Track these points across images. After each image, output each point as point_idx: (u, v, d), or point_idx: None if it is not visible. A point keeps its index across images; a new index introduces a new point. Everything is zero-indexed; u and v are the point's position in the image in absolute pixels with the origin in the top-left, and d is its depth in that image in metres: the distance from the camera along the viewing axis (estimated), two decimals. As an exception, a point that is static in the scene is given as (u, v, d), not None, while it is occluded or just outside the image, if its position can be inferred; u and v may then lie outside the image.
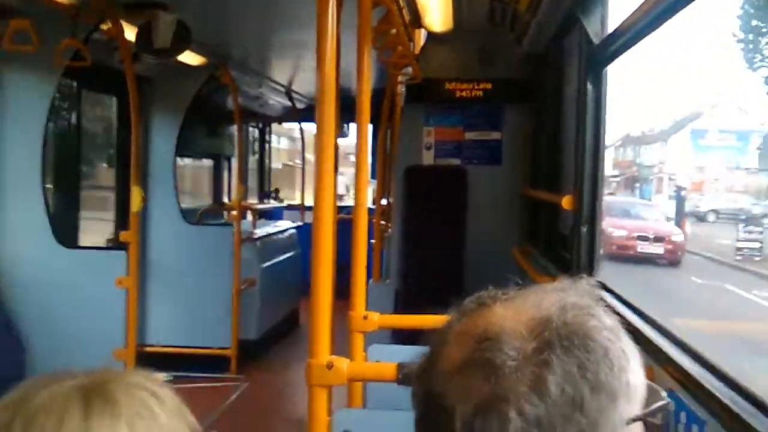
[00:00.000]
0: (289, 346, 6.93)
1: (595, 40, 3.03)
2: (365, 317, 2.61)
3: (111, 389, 0.78)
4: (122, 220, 5.95)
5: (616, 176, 41.71)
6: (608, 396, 0.68)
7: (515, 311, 0.72)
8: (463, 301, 0.77)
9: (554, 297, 0.73)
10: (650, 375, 2.01)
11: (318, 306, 1.93)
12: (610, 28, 2.98)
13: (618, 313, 2.41)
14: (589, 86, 3.10)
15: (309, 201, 9.47)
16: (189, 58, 5.33)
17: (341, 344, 2.69)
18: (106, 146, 7.24)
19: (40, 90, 4.58)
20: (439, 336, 0.74)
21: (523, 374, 0.66)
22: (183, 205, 6.27)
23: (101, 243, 6.48)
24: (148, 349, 5.74)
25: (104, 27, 4.27)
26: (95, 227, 6.80)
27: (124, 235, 4.76)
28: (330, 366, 1.93)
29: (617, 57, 2.85)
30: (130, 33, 4.46)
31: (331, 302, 2.09)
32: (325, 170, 1.96)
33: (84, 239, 6.09)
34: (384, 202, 6.17)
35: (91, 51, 4.20)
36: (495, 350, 0.68)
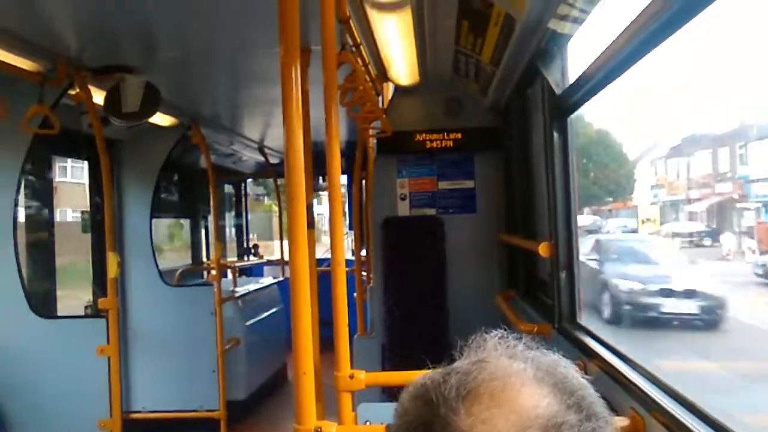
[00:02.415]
0: (277, 405, 6.81)
1: (557, 91, 3.07)
2: (351, 376, 2.56)
3: None
4: (100, 286, 5.84)
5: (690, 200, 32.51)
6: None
7: (526, 387, 0.71)
8: (444, 376, 0.74)
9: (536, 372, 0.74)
10: (640, 422, 1.99)
11: (301, 372, 1.89)
12: (572, 77, 3.03)
13: (602, 358, 2.38)
14: (555, 135, 3.14)
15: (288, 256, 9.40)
16: (159, 119, 5.33)
17: (331, 399, 2.62)
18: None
19: (9, 159, 4.54)
20: None
21: None
22: (161, 266, 6.19)
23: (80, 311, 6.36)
24: (134, 416, 5.61)
25: (72, 92, 4.26)
26: (73, 295, 6.68)
27: (102, 302, 4.67)
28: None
29: (580, 106, 2.90)
30: (98, 97, 4.45)
31: (316, 361, 2.05)
32: (299, 225, 1.95)
33: (62, 308, 5.96)
34: (363, 253, 6.14)
35: (60, 116, 4.19)
36: (573, 429, 0.69)
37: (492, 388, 0.70)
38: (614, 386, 2.21)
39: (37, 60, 3.93)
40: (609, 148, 38.76)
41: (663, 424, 1.84)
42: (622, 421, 2.04)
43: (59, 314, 5.62)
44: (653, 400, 1.94)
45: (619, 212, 42.69)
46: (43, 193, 5.83)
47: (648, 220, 35.08)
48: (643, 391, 2.03)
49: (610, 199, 39.29)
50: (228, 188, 10.20)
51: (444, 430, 0.69)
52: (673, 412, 1.80)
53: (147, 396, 5.77)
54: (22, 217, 5.22)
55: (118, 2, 3.20)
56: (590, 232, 37.86)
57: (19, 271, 4.63)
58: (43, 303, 5.28)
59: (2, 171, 4.53)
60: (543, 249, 3.33)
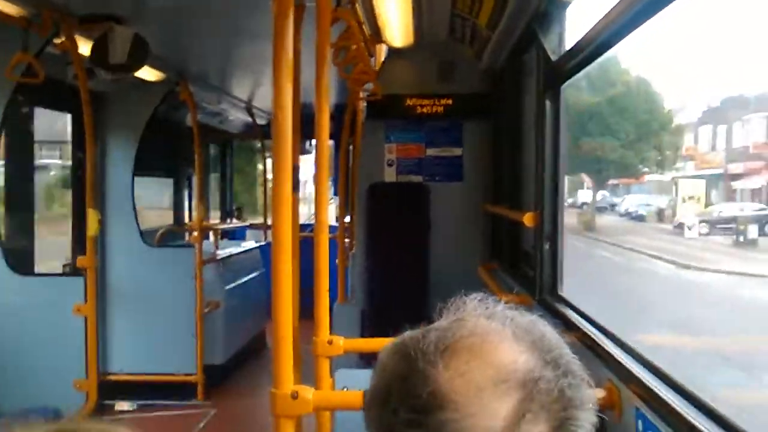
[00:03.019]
0: (256, 370, 6.78)
1: (553, 57, 3.04)
2: (330, 342, 2.56)
3: None
4: (79, 244, 5.76)
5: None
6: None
7: (505, 344, 0.72)
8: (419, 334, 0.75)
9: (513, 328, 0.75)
10: (616, 393, 2.01)
11: (280, 334, 1.88)
12: (568, 44, 3.00)
13: (581, 330, 2.39)
14: (548, 103, 3.11)
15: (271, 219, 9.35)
16: (146, 73, 5.23)
17: (309, 366, 2.62)
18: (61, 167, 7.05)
19: None
20: (437, 396, 0.69)
21: (574, 395, 0.71)
22: (142, 227, 6.12)
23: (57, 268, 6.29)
24: (111, 377, 5.57)
25: (57, 41, 4.16)
26: (52, 252, 6.60)
27: (81, 261, 4.62)
28: (295, 396, 1.88)
29: (574, 74, 2.87)
30: (84, 47, 4.35)
31: (295, 327, 2.04)
32: (284, 189, 1.92)
33: (40, 265, 5.89)
34: (347, 219, 6.12)
35: (44, 66, 4.09)
36: (551, 384, 0.70)
37: (470, 344, 0.71)
38: (592, 358, 2.22)
39: (22, 5, 3.83)
40: (651, 102, 32.06)
41: (637, 395, 1.86)
42: (598, 393, 2.05)
43: (37, 272, 5.56)
44: (629, 372, 1.96)
45: (630, 188, 37.11)
46: (22, 145, 5.73)
47: (691, 198, 30.23)
48: (619, 363, 2.05)
49: (645, 169, 33.79)
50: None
51: (422, 383, 0.69)
52: (648, 384, 1.82)
53: (124, 357, 5.73)
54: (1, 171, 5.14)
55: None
56: (600, 210, 33.40)
57: None
58: (20, 260, 5.20)
59: None
60: (528, 219, 3.33)
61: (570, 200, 36.21)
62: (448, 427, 0.67)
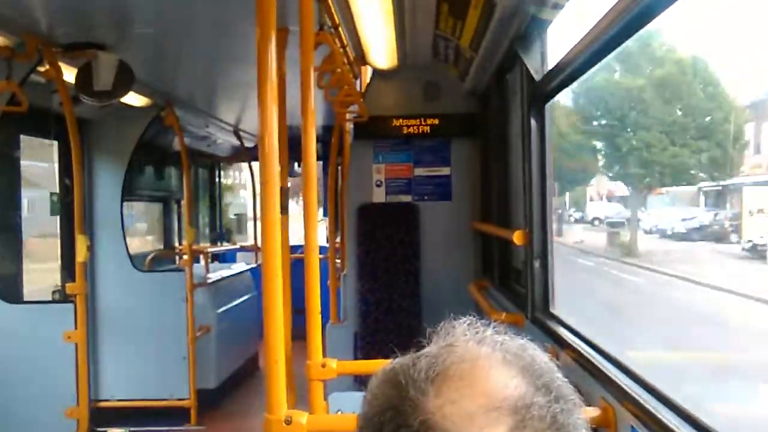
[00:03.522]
0: (249, 393, 6.75)
1: (536, 77, 3.06)
2: (323, 365, 2.54)
3: None
4: (68, 270, 5.73)
5: None
6: None
7: (495, 369, 0.71)
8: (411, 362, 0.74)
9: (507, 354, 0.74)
10: (610, 412, 2.00)
11: (273, 359, 1.87)
12: (551, 63, 3.02)
13: (574, 348, 2.38)
14: (533, 122, 3.12)
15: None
16: (132, 99, 5.23)
17: (303, 388, 2.60)
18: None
19: None
20: (429, 425, 0.68)
21: (567, 420, 0.71)
22: (132, 251, 6.09)
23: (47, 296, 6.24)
24: (103, 404, 5.55)
25: (42, 69, 4.15)
26: (40, 279, 6.54)
27: (71, 287, 4.60)
28: (288, 421, 1.87)
29: (558, 93, 2.89)
30: (69, 74, 4.34)
31: (287, 350, 2.02)
32: (272, 210, 1.91)
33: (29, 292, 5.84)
34: (337, 240, 6.11)
35: (29, 94, 4.08)
36: (543, 410, 0.69)
37: (461, 370, 0.71)
38: (586, 376, 2.21)
39: (5, 34, 3.82)
40: (709, 86, 23.02)
41: (633, 413, 1.84)
42: (592, 411, 2.04)
43: (26, 299, 5.51)
44: (624, 390, 1.95)
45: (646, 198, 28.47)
46: (9, 173, 5.70)
47: (761, 211, 20.49)
48: (614, 381, 2.04)
49: (703, 175, 24.23)
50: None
51: (413, 412, 0.69)
52: (643, 402, 1.81)
53: (116, 384, 5.69)
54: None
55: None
56: (613, 225, 26.57)
57: None
58: (8, 287, 5.16)
59: None
60: (518, 237, 3.33)
61: (577, 214, 33.74)
62: None
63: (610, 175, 27.95)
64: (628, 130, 24.21)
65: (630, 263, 21.02)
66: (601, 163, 27.66)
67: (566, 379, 0.74)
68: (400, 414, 0.69)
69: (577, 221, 33.09)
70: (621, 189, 30.03)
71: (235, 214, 12.59)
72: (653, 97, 23.45)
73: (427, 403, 0.69)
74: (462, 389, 0.69)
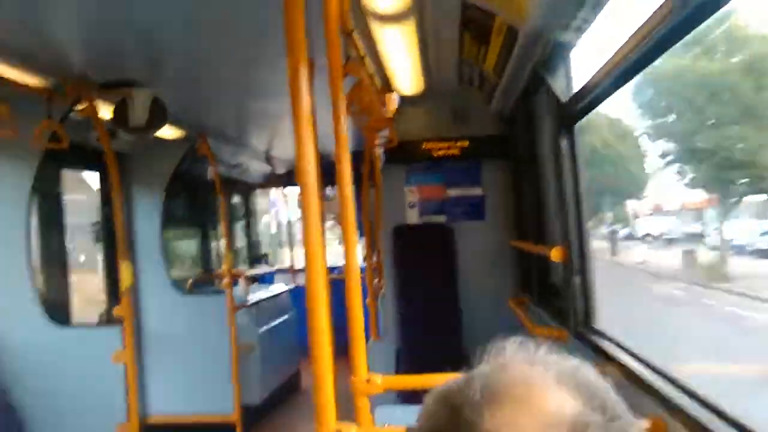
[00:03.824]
0: (292, 410, 6.85)
1: (562, 98, 3.06)
2: (368, 380, 2.56)
3: None
4: (113, 294, 5.90)
5: None
6: None
7: (550, 390, 0.71)
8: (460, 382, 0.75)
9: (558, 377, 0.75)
10: (662, 428, 1.96)
11: (320, 373, 1.89)
12: (576, 84, 3.02)
13: (621, 363, 2.35)
14: (563, 142, 3.13)
15: (298, 264, 9.43)
16: (167, 131, 5.35)
17: (345, 403, 2.62)
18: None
19: (20, 173, 4.59)
20: None
21: None
22: (173, 276, 6.24)
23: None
24: (152, 420, 5.69)
25: (80, 107, 4.29)
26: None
27: (117, 310, 4.74)
28: (339, 433, 1.88)
29: (586, 114, 2.88)
30: (106, 110, 4.48)
31: (332, 366, 2.05)
32: (313, 234, 1.96)
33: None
34: (374, 259, 6.15)
35: (70, 131, 4.21)
36: (591, 430, 0.69)
37: (516, 392, 0.71)
38: (634, 391, 2.18)
39: (44, 76, 3.96)
40: None
41: (686, 427, 1.81)
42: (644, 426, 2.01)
43: (74, 322, 5.70)
44: (676, 405, 1.91)
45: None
46: (54, 205, 5.88)
47: None
48: (664, 396, 2.00)
49: None
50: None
51: None
52: (697, 416, 1.78)
53: (163, 401, 5.85)
54: (35, 230, 5.30)
55: (123, 17, 3.22)
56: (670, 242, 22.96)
57: (33, 281, 4.66)
58: (58, 311, 5.33)
59: (15, 186, 4.58)
60: (555, 254, 3.32)
61: (624, 231, 29.15)
62: None
63: (685, 182, 21.93)
64: (711, 124, 19.23)
65: (735, 292, 15.21)
66: (668, 169, 22.31)
67: (619, 398, 0.74)
68: None
69: (626, 238, 28.84)
70: (692, 199, 24.51)
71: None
72: (742, 82, 18.70)
73: (484, 425, 0.69)
74: (518, 410, 0.69)
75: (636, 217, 30.66)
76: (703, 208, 23.58)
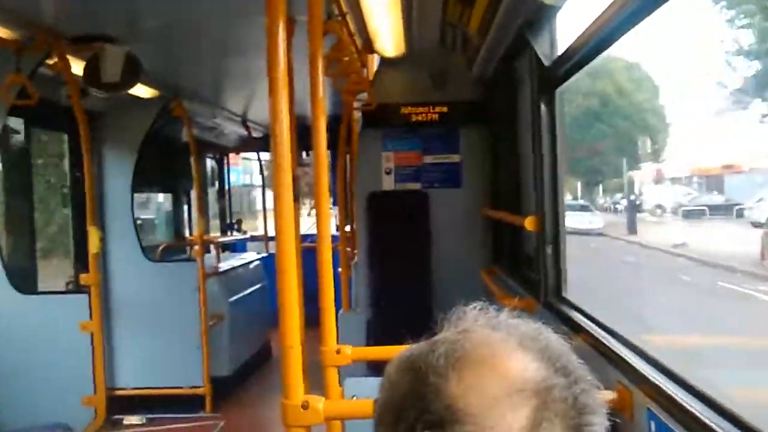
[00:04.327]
0: (263, 380, 6.81)
1: (546, 62, 3.04)
2: (338, 351, 2.56)
3: None
4: (80, 261, 5.78)
5: None
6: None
7: (514, 354, 0.72)
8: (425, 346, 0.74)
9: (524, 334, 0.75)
10: (627, 395, 2.00)
11: (288, 345, 1.88)
12: (560, 49, 3.00)
13: (588, 332, 2.38)
14: (543, 108, 3.11)
15: (272, 231, 9.39)
16: (140, 90, 5.24)
17: (315, 375, 2.62)
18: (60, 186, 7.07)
19: None
20: (452, 411, 0.68)
21: (586, 401, 0.71)
22: (143, 242, 6.13)
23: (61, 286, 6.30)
24: (119, 392, 5.59)
25: (50, 62, 4.17)
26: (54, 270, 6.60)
27: (84, 278, 4.65)
28: (305, 406, 1.87)
29: (569, 78, 2.87)
30: (77, 67, 4.36)
31: (301, 337, 2.03)
32: (285, 200, 1.92)
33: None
34: (347, 228, 6.12)
35: (39, 87, 4.10)
36: (565, 392, 0.70)
37: (480, 356, 0.71)
38: (600, 360, 2.21)
39: (14, 28, 3.84)
40: None
41: (650, 396, 1.84)
42: (608, 395, 2.05)
43: (40, 290, 5.57)
44: (640, 374, 1.94)
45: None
46: (20, 166, 5.74)
47: None
48: (629, 365, 2.04)
49: None
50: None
51: (436, 398, 0.69)
52: (661, 385, 1.81)
53: (131, 372, 5.76)
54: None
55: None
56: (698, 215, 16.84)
57: None
58: (22, 278, 5.21)
59: None
60: (529, 223, 3.32)
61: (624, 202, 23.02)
62: None
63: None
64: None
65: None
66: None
67: (582, 361, 0.75)
68: (421, 400, 0.70)
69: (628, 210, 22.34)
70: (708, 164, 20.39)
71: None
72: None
73: (450, 389, 0.69)
74: (484, 374, 0.70)
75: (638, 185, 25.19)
76: (721, 174, 20.21)
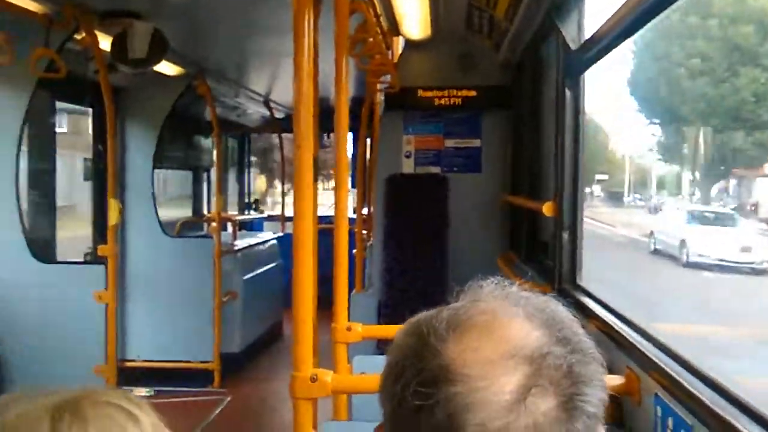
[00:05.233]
0: (272, 358, 6.86)
1: (572, 46, 3.03)
2: (349, 328, 2.60)
3: (83, 407, 0.76)
4: (100, 233, 5.86)
5: None
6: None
7: (517, 321, 0.73)
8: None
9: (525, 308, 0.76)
10: (636, 380, 2.02)
11: (300, 319, 1.91)
12: (587, 33, 2.99)
13: (601, 318, 2.40)
14: (567, 92, 3.10)
15: (289, 211, 9.45)
16: (165, 68, 5.28)
17: (326, 355, 2.66)
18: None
19: (13, 102, 4.51)
20: (446, 370, 0.70)
21: (584, 372, 0.71)
22: (162, 218, 6.20)
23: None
24: (129, 364, 5.68)
25: (78, 37, 4.22)
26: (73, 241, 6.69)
27: (102, 249, 4.71)
28: (314, 379, 1.91)
29: (595, 63, 2.86)
30: (105, 43, 4.40)
31: (313, 314, 2.07)
32: (305, 181, 1.94)
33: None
34: (364, 211, 6.14)
35: (66, 61, 4.15)
36: (560, 360, 0.70)
37: (482, 321, 0.73)
38: (612, 346, 2.23)
39: (43, 2, 3.88)
40: None
41: (658, 381, 1.86)
42: (617, 380, 2.07)
43: (59, 260, 5.66)
44: (648, 359, 1.96)
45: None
46: (45, 138, 5.81)
47: None
48: (638, 350, 2.06)
49: None
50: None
51: (432, 358, 0.71)
52: (668, 370, 1.82)
53: (142, 344, 5.84)
54: (24, 163, 5.22)
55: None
56: None
57: (20, 216, 4.63)
58: (43, 248, 5.29)
59: (6, 115, 4.49)
60: (547, 208, 3.32)
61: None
62: (457, 400, 0.68)
63: None
64: None
65: None
66: None
67: (589, 337, 0.75)
68: (420, 359, 0.72)
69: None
70: None
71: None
72: None
73: (447, 350, 0.71)
74: (482, 338, 0.71)
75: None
76: None
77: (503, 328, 0.72)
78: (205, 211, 8.62)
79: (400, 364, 0.74)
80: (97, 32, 4.25)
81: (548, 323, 0.73)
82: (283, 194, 9.82)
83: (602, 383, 0.73)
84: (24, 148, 5.16)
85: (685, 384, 1.71)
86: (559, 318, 0.75)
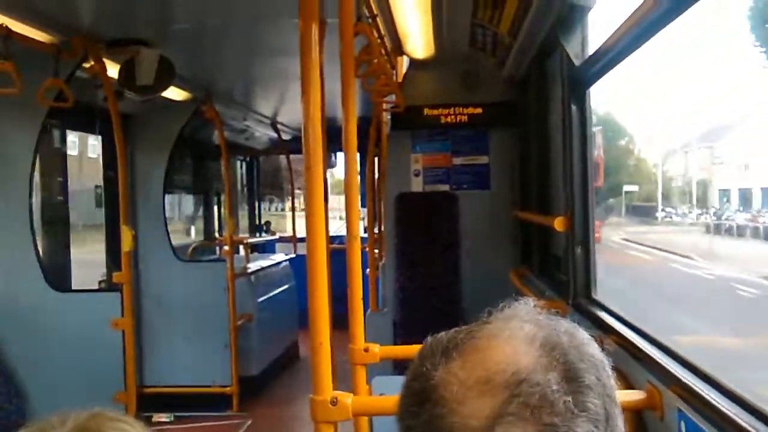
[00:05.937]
0: (290, 380, 6.87)
1: (576, 62, 3.03)
2: (366, 350, 2.58)
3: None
4: (113, 259, 5.89)
5: None
6: (616, 404, 0.73)
7: (511, 344, 0.71)
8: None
9: (527, 326, 0.74)
10: (657, 395, 1.99)
11: (318, 342, 1.90)
12: (591, 49, 2.99)
13: (618, 333, 2.36)
14: (573, 108, 3.10)
15: (300, 232, 9.46)
16: (173, 93, 5.33)
17: (343, 375, 2.64)
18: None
19: (24, 133, 4.55)
20: (431, 391, 0.71)
21: (569, 402, 0.68)
22: (173, 242, 6.23)
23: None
24: (148, 390, 5.68)
25: (86, 65, 4.26)
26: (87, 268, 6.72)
27: (117, 276, 4.72)
28: (334, 402, 1.90)
29: (600, 77, 2.86)
30: (112, 70, 4.45)
31: (330, 336, 2.06)
32: (316, 200, 1.94)
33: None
34: (375, 230, 6.14)
35: (74, 90, 4.19)
36: (536, 388, 0.68)
37: (476, 344, 0.73)
38: (631, 361, 2.20)
39: (52, 32, 3.93)
40: None
41: (680, 396, 1.83)
42: (638, 395, 2.04)
43: (74, 288, 5.68)
44: (670, 373, 1.93)
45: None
46: (57, 167, 5.86)
47: None
48: (659, 365, 2.03)
49: None
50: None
51: (425, 380, 0.72)
52: (690, 384, 1.80)
53: (160, 370, 5.85)
54: (37, 192, 5.26)
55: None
56: None
57: (35, 245, 4.66)
58: (57, 276, 5.31)
59: (18, 145, 4.54)
60: (559, 223, 3.30)
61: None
62: (437, 421, 0.69)
63: None
64: None
65: None
66: None
67: (602, 363, 0.73)
68: (415, 380, 0.74)
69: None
70: None
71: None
72: None
73: (436, 373, 0.72)
74: (469, 362, 0.71)
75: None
76: None
77: (491, 352, 0.71)
78: (217, 234, 8.64)
79: (408, 384, 0.75)
80: (105, 60, 4.30)
81: (550, 348, 0.71)
82: (294, 216, 9.84)
83: (598, 415, 0.69)
84: (36, 175, 5.23)
85: (707, 397, 1.69)
86: (568, 343, 0.72)
